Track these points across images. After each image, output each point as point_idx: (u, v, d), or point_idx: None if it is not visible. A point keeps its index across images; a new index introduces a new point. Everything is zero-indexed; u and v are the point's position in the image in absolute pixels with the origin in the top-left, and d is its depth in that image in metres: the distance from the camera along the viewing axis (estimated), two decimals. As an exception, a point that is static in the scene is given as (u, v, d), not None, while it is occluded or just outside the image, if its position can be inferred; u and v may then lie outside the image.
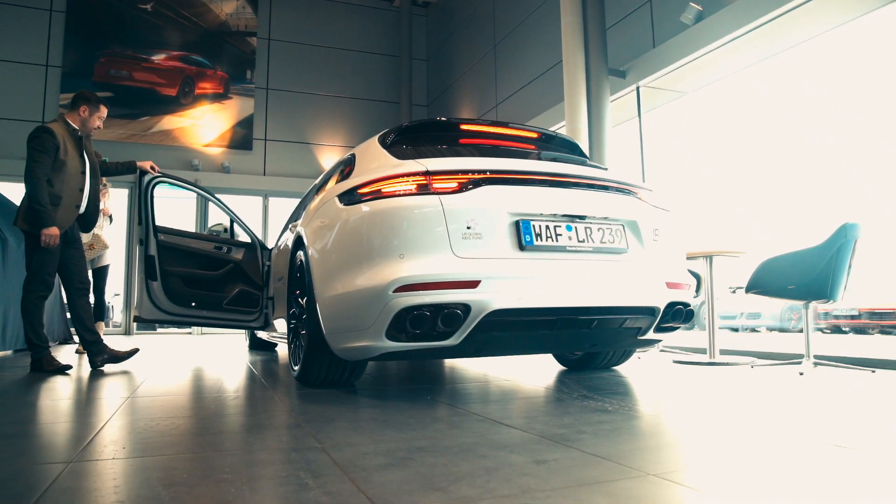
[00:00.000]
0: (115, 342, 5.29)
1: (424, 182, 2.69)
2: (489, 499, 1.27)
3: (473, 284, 2.54)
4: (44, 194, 3.88)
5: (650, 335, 3.15)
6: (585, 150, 3.79)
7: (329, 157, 11.59)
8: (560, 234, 2.79)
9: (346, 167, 3.52)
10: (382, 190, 2.73)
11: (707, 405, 2.61)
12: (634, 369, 4.02)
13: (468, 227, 2.62)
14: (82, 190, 4.17)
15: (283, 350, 6.24)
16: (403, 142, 3.28)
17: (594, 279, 2.79)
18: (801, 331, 11.98)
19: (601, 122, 6.07)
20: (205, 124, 10.96)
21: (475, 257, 2.60)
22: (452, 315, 2.53)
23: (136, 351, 4.40)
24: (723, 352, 4.74)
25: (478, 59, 10.32)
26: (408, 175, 2.71)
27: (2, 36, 10.28)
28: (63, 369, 3.97)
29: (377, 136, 3.44)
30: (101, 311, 6.18)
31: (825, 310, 12.20)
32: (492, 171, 2.78)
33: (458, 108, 11.04)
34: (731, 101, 6.36)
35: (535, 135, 3.63)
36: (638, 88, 6.49)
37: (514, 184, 2.79)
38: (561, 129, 6.75)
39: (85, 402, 2.78)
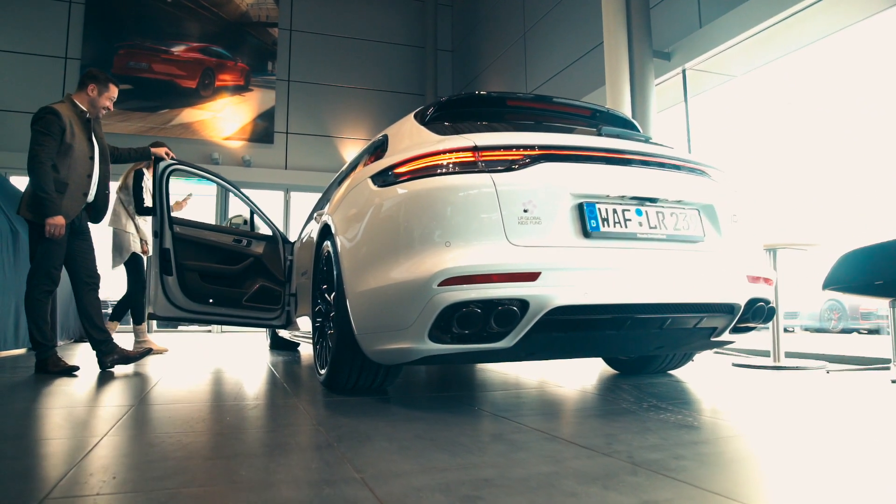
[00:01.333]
0: (127, 341, 5.00)
1: (473, 158, 2.31)
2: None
3: (532, 277, 2.16)
4: (48, 181, 3.57)
5: (725, 336, 2.76)
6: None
7: (352, 150, 11.26)
8: (629, 220, 2.40)
9: (376, 150, 3.16)
10: (423, 168, 2.36)
11: (808, 420, 2.20)
12: (693, 374, 3.62)
13: (525, 211, 2.24)
14: (90, 176, 3.85)
15: (305, 350, 5.90)
16: (444, 118, 2.91)
17: (668, 272, 2.40)
18: (842, 331, 11.42)
19: (646, 108, 5.65)
20: (225, 117, 10.68)
21: (533, 245, 2.22)
22: (508, 313, 2.15)
23: (148, 351, 4.08)
24: (788, 354, 4.31)
25: (506, 47, 9.91)
26: (454, 150, 2.34)
27: (21, 28, 10.08)
28: (70, 371, 3.66)
29: (412, 114, 3.07)
30: (140, 311, 5.86)
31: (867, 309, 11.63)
32: (551, 147, 2.39)
33: (485, 100, 10.61)
34: (787, 84, 5.90)
35: (587, 111, 3.25)
36: (684, 71, 6.06)
37: (576, 161, 2.40)
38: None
39: (83, 411, 2.44)
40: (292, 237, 5.12)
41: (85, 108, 3.86)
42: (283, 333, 5.32)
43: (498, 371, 3.80)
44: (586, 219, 2.31)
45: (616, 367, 3.77)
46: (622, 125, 3.22)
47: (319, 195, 5.16)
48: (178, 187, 5.93)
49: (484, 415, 2.26)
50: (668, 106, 6.37)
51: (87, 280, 3.87)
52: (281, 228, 5.05)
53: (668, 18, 6.24)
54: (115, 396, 2.84)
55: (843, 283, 3.40)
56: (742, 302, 2.56)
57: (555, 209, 2.28)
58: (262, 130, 10.86)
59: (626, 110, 5.58)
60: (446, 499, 1.24)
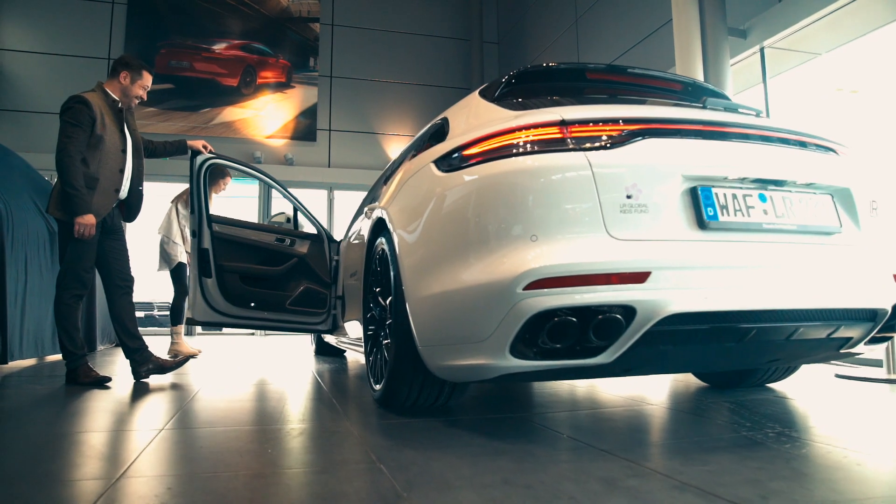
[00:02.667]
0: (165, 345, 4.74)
1: (560, 135, 1.90)
2: None
3: (641, 277, 1.74)
4: (78, 176, 3.29)
5: (858, 347, 2.28)
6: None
7: (396, 147, 10.92)
8: (752, 207, 1.96)
9: (434, 135, 2.77)
10: (499, 148, 1.96)
11: None
12: (796, 388, 3.14)
13: (628, 197, 1.82)
14: (123, 171, 3.55)
15: (352, 356, 5.56)
16: (515, 94, 2.50)
17: (800, 271, 1.95)
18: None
19: (721, 90, 5.14)
20: (267, 115, 10.45)
21: (640, 238, 1.80)
22: (610, 322, 1.74)
23: (186, 360, 3.77)
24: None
25: (556, 36, 9.43)
26: (536, 126, 1.93)
27: (66, 31, 10.01)
28: (102, 381, 3.36)
29: (476, 91, 2.68)
30: (180, 313, 5.64)
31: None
32: (655, 120, 1.97)
33: (534, 92, 10.16)
34: (882, 60, 5.31)
35: (678, 85, 2.80)
36: (762, 50, 5.51)
37: (685, 136, 1.97)
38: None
39: (105, 438, 2.11)
40: (337, 236, 4.78)
41: (117, 97, 3.57)
42: (329, 339, 4.98)
43: (571, 382, 3.37)
44: (702, 206, 1.88)
45: (705, 380, 3.31)
46: (723, 100, 2.77)
47: (363, 193, 4.81)
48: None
49: (579, 448, 1.84)
50: (745, 87, 5.83)
51: (120, 283, 3.58)
52: (324, 227, 4.70)
53: (744, -8, 5.70)
54: (146, 415, 2.52)
55: None
56: (888, 306, 2.09)
57: (664, 195, 1.86)
58: (305, 128, 10.60)
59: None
60: None
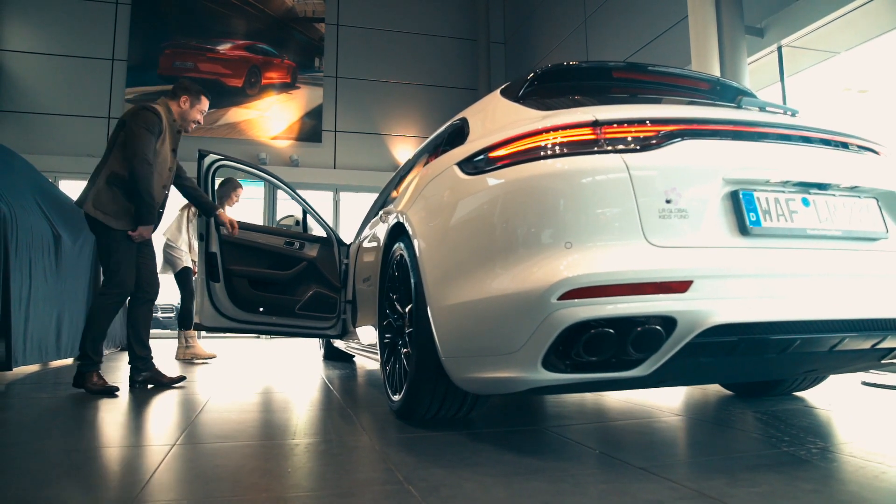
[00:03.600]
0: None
1: (594, 136, 1.81)
2: None
3: (682, 287, 1.64)
4: (153, 185, 3.34)
5: (899, 358, 2.19)
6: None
7: (402, 148, 10.83)
8: (795, 212, 1.86)
9: (452, 136, 2.68)
10: (529, 150, 1.87)
11: None
12: (825, 396, 3.04)
13: (667, 201, 1.72)
14: (167, 189, 3.59)
15: (361, 361, 5.46)
16: (539, 93, 2.41)
17: (845, 279, 1.85)
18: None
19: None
20: (272, 116, 10.36)
21: (680, 245, 1.70)
22: (650, 334, 1.64)
23: (181, 379, 3.69)
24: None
25: (565, 35, 9.34)
26: (568, 126, 1.84)
27: (69, 32, 9.94)
28: (110, 391, 3.28)
29: (497, 91, 2.58)
30: (189, 317, 5.56)
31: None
32: (693, 121, 1.87)
33: (541, 92, 10.07)
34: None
35: (707, 84, 2.71)
36: (780, 48, 5.41)
37: (725, 137, 1.88)
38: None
39: (117, 455, 2.01)
40: (342, 237, 4.70)
41: (176, 118, 3.58)
42: (339, 344, 4.89)
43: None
44: (744, 211, 1.78)
45: (730, 388, 3.21)
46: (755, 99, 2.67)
47: (369, 195, 4.73)
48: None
49: (614, 464, 1.75)
50: (762, 86, 5.73)
51: (146, 291, 3.60)
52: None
53: (760, -10, 5.60)
54: (156, 429, 2.43)
55: None
56: (935, 316, 1.99)
57: (705, 199, 1.76)
58: (310, 129, 10.51)
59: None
60: None
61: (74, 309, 5.23)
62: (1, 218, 3.89)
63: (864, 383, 3.58)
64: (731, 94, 2.56)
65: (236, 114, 10.20)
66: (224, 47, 10.38)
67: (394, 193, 3.54)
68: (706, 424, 2.39)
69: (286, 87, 10.55)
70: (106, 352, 6.01)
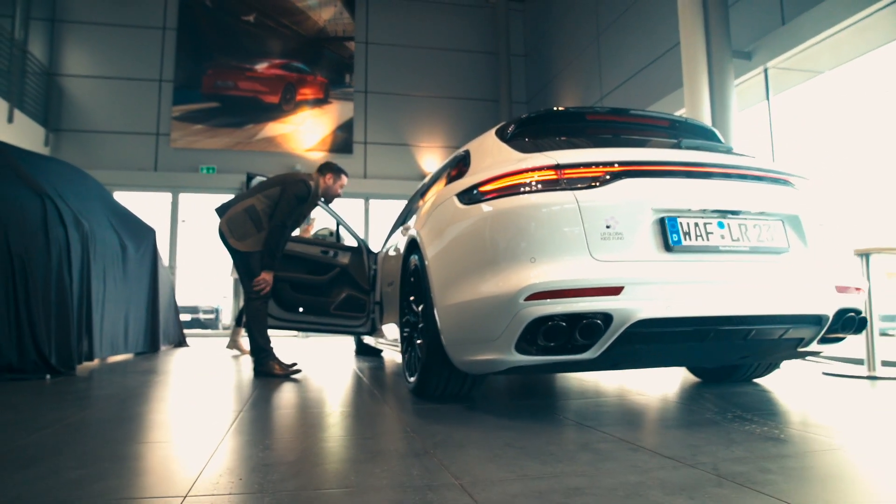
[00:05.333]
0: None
1: (555, 177, 2.41)
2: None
3: (616, 291, 2.24)
4: (283, 244, 4.21)
5: (812, 346, 2.73)
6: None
7: (428, 157, 11.49)
8: (711, 233, 2.44)
9: (459, 164, 3.29)
10: (508, 187, 2.47)
11: (901, 433, 2.18)
12: (781, 383, 3.57)
13: (607, 227, 2.32)
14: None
15: (388, 355, 6.11)
16: (524, 134, 3.02)
17: (751, 284, 2.41)
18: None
19: (725, 109, 5.56)
20: (306, 129, 11.12)
21: (616, 260, 2.30)
22: (592, 326, 2.24)
23: (296, 369, 4.28)
24: (885, 363, 4.16)
25: (579, 51, 9.89)
26: (536, 169, 2.44)
27: (121, 56, 10.84)
28: (291, 373, 4.15)
29: (493, 130, 3.19)
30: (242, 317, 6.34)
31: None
32: (631, 163, 2.46)
33: (559, 104, 10.66)
34: (884, 75, 5.65)
35: (665, 122, 3.28)
36: (766, 70, 5.91)
37: (656, 176, 2.46)
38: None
39: (201, 416, 2.67)
40: (371, 244, 5.34)
41: (320, 193, 4.40)
42: (368, 340, 5.54)
43: (577, 378, 3.86)
44: (668, 233, 2.37)
45: (699, 375, 3.77)
46: (702, 135, 3.24)
47: (397, 202, 5.36)
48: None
49: (569, 424, 2.35)
50: (748, 105, 6.23)
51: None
52: (361, 236, 5.28)
53: (748, 17, 6.11)
54: (224, 402, 3.08)
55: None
56: (830, 313, 2.54)
57: (637, 224, 2.35)
58: (342, 141, 11.24)
59: (704, 112, 5.52)
60: (542, 506, 1.34)
61: (137, 309, 5.98)
62: (84, 235, 4.62)
63: (825, 373, 4.09)
64: (681, 132, 3.13)
65: (273, 128, 10.98)
66: (261, 66, 11.17)
67: (416, 205, 4.17)
68: (658, 400, 2.96)
69: (319, 102, 11.29)
70: (163, 348, 6.76)
